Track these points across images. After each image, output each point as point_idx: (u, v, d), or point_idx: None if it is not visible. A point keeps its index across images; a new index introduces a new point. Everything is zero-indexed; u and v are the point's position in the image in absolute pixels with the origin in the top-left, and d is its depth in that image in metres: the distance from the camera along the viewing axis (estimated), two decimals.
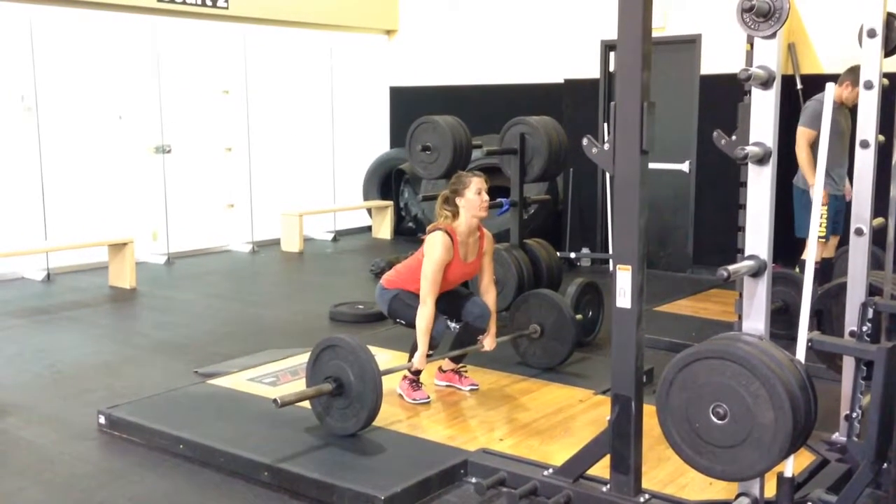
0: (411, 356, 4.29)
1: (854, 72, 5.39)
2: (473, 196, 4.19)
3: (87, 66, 8.08)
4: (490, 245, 4.42)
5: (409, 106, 9.85)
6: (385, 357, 5.00)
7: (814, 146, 5.53)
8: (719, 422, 2.55)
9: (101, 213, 8.15)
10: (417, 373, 4.30)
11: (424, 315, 4.09)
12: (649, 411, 2.89)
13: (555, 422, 4.03)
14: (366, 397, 3.71)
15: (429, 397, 4.28)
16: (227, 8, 8.65)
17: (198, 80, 8.97)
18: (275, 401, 3.67)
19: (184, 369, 5.06)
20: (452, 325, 4.38)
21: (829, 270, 5.52)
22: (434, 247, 4.13)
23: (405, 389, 4.30)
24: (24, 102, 7.68)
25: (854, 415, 3.13)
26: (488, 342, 4.42)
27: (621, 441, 2.98)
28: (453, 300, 4.39)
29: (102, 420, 4.11)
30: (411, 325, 4.20)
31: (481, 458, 3.55)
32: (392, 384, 4.26)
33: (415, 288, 4.23)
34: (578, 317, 5.05)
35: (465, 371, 4.56)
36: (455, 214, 4.23)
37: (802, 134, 5.47)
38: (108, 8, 7.90)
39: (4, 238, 7.33)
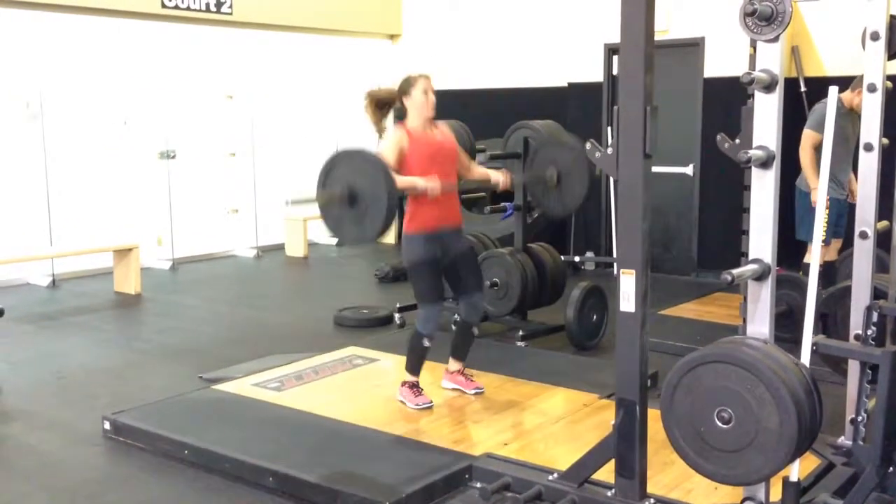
0: (408, 366, 4.31)
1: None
2: (420, 96, 4.18)
3: (91, 72, 8.10)
4: (451, 130, 4.44)
5: None
6: (389, 363, 5.01)
7: (818, 149, 5.52)
8: (724, 426, 2.54)
9: (106, 218, 8.17)
10: (417, 375, 4.33)
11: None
12: (654, 415, 2.89)
13: (559, 426, 4.02)
14: (380, 201, 3.56)
15: (431, 402, 4.28)
16: (231, 14, 8.67)
17: (202, 85, 8.99)
18: (286, 201, 3.61)
19: (189, 374, 5.06)
20: (428, 344, 4.32)
21: (832, 274, 5.50)
22: (385, 137, 4.19)
23: (407, 396, 4.30)
24: (29, 108, 7.70)
25: (859, 418, 3.11)
26: (501, 176, 4.45)
27: (626, 445, 2.98)
28: (457, 276, 4.34)
29: (107, 426, 4.11)
30: (409, 268, 4.24)
31: (486, 462, 3.55)
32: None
33: (415, 222, 4.21)
34: (597, 171, 4.97)
35: (472, 375, 4.55)
36: (400, 115, 4.25)
37: (808, 137, 5.46)
38: (112, 14, 7.92)
39: (10, 244, 7.35)
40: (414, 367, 4.32)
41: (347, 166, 3.69)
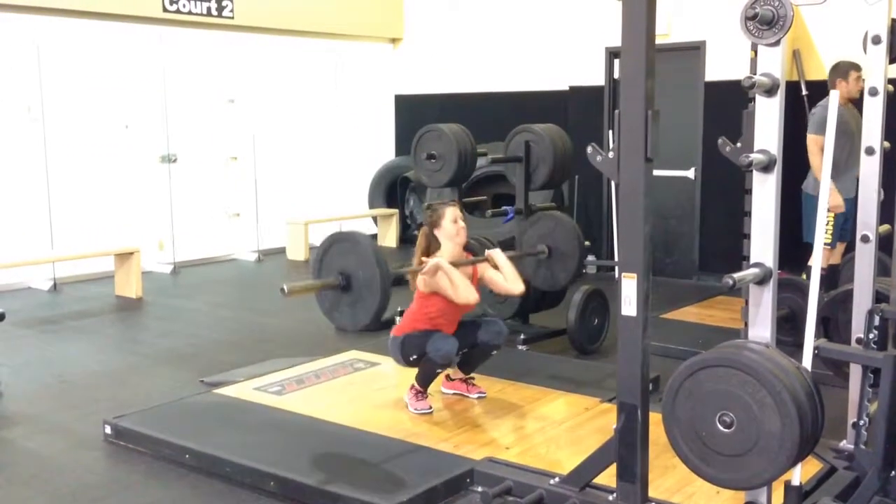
0: (418, 378, 4.29)
1: (856, 65, 5.41)
2: (451, 225, 4.24)
3: (93, 76, 8.11)
4: (485, 269, 4.37)
5: (414, 114, 9.86)
6: (390, 367, 5.00)
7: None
8: (726, 430, 2.54)
9: (108, 222, 8.17)
10: (426, 384, 4.32)
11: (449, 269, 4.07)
12: (655, 419, 2.89)
13: (561, 430, 4.02)
14: (374, 289, 3.62)
15: (431, 408, 4.27)
16: (232, 18, 8.68)
17: (203, 89, 9.00)
18: (282, 289, 3.66)
19: (190, 378, 5.06)
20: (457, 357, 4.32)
21: (837, 277, 5.49)
22: (437, 267, 4.09)
23: (410, 399, 4.30)
24: (30, 113, 7.71)
25: (861, 422, 3.11)
26: (496, 252, 4.42)
27: (627, 449, 2.97)
28: (466, 331, 4.34)
29: (108, 430, 4.11)
30: (424, 352, 4.16)
31: (487, 466, 3.54)
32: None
33: (421, 325, 4.23)
34: (587, 243, 5.08)
35: (473, 380, 4.55)
36: (433, 245, 4.27)
37: (814, 141, 5.43)
38: (114, 18, 7.94)
39: (11, 248, 7.35)
40: (423, 383, 4.30)
41: (342, 251, 3.79)
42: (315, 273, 3.91)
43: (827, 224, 5.48)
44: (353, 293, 3.73)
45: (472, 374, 4.57)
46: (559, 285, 4.95)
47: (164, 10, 8.16)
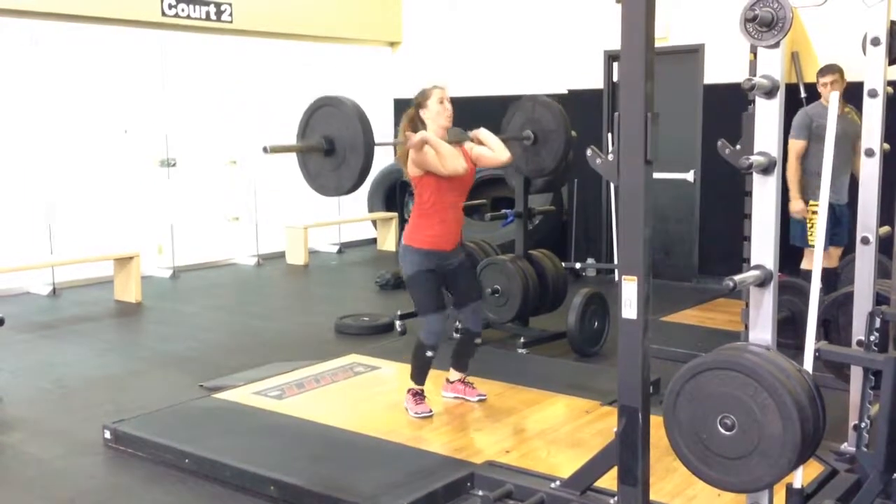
0: (412, 373, 4.30)
1: (832, 67, 5.43)
2: (436, 105, 4.20)
3: (92, 80, 8.11)
4: (471, 148, 4.39)
5: None
6: (390, 370, 5.00)
7: (804, 157, 5.51)
8: (727, 433, 2.53)
9: (107, 227, 8.17)
10: (422, 383, 4.32)
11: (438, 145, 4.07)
12: (656, 422, 2.88)
13: (561, 433, 4.01)
14: (358, 152, 3.55)
15: (431, 411, 4.26)
16: (231, 22, 8.68)
17: (202, 93, 9.00)
18: (264, 147, 3.60)
19: (189, 383, 5.06)
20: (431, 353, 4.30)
21: (833, 281, 5.48)
22: (424, 140, 4.07)
23: (409, 403, 4.30)
24: (30, 117, 7.70)
25: (863, 425, 3.11)
26: (476, 131, 4.41)
27: (628, 453, 2.96)
28: (457, 286, 4.34)
29: (108, 435, 4.10)
30: (406, 279, 4.23)
31: (488, 470, 3.54)
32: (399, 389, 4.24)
33: (423, 224, 4.20)
34: (574, 133, 5.05)
35: (472, 383, 4.54)
36: (418, 128, 4.21)
37: (791, 146, 5.44)
38: (113, 23, 7.94)
39: (10, 253, 7.34)
40: (418, 376, 4.31)
41: (326, 114, 3.67)
42: (299, 136, 3.82)
43: (810, 227, 5.57)
44: (336, 157, 3.63)
45: (470, 378, 4.56)
46: (546, 170, 4.97)
47: (163, 14, 8.16)
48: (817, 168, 5.34)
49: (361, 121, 3.57)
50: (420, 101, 4.24)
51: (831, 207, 5.56)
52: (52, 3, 7.42)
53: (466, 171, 4.20)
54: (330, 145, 3.63)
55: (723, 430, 2.54)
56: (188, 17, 8.34)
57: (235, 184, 9.38)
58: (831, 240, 5.64)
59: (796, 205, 5.59)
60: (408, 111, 4.30)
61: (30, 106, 7.69)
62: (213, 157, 9.18)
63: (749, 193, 2.71)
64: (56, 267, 7.68)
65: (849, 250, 5.18)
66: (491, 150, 4.33)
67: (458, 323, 4.52)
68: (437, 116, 4.19)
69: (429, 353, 4.24)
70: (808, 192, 5.60)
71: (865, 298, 3.36)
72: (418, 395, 4.30)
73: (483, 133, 4.37)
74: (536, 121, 5.03)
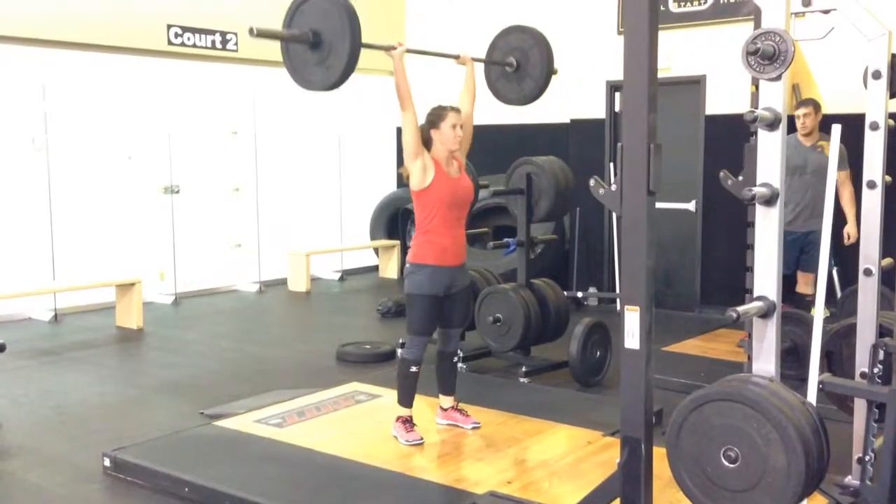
0: (399, 397, 4.30)
1: (806, 101, 5.93)
2: (448, 129, 4.22)
3: (96, 108, 8.16)
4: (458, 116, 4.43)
5: None
6: (392, 399, 4.98)
7: None
8: (731, 465, 2.52)
9: (109, 253, 8.18)
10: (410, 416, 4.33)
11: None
12: (659, 454, 2.86)
13: (563, 464, 3.99)
14: (344, 43, 3.56)
15: (422, 439, 4.25)
16: (236, 51, 8.75)
17: (207, 120, 9.05)
18: (250, 29, 3.61)
19: (190, 410, 5.04)
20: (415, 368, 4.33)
21: (805, 306, 5.59)
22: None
23: (399, 431, 4.28)
24: (34, 143, 7.75)
25: (867, 458, 3.09)
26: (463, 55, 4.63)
27: (631, 485, 2.94)
28: (448, 309, 4.33)
29: (108, 462, 4.08)
30: (407, 296, 4.26)
31: (489, 501, 3.51)
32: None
33: (423, 252, 4.21)
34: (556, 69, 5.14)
35: (465, 410, 4.53)
36: (428, 143, 4.25)
37: None
38: (118, 51, 8.01)
39: (12, 279, 7.35)
40: (405, 399, 4.30)
41: (314, 9, 3.67)
42: (286, 25, 3.78)
43: None
44: (322, 51, 3.62)
45: (472, 407, 4.54)
46: (524, 98, 5.11)
47: (170, 43, 8.23)
48: (786, 198, 5.47)
49: (350, 16, 3.56)
50: (433, 121, 4.26)
51: (804, 235, 5.81)
52: (59, 31, 7.49)
53: (409, 110, 4.20)
54: (316, 38, 3.60)
55: (726, 463, 2.53)
56: (194, 45, 8.41)
57: (238, 211, 9.41)
58: (799, 265, 5.92)
59: None
60: (420, 125, 4.30)
61: (35, 132, 7.72)
62: (217, 184, 9.22)
63: (752, 224, 2.72)
64: (58, 293, 7.68)
65: (851, 281, 5.20)
66: (464, 85, 4.59)
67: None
68: (446, 140, 4.22)
69: (413, 369, 4.25)
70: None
71: (868, 330, 3.36)
72: (408, 423, 4.29)
73: (469, 63, 4.66)
74: (520, 48, 5.06)
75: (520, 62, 5.03)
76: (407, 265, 4.31)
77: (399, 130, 10.48)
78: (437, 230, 4.20)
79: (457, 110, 4.30)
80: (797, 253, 5.95)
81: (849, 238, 5.85)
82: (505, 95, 5.23)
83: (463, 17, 9.77)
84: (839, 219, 5.65)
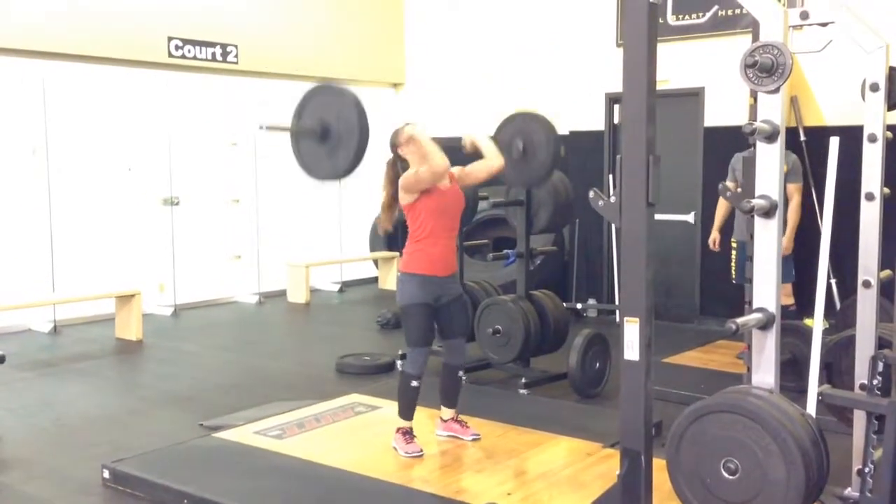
0: (400, 409, 4.30)
1: None
2: (408, 141, 4.21)
3: (97, 119, 8.18)
4: (460, 170, 4.40)
5: None
6: (391, 410, 4.98)
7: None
8: (731, 477, 2.52)
9: (109, 264, 8.18)
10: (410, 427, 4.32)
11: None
12: (659, 466, 2.86)
13: (563, 476, 3.98)
14: (352, 134, 3.61)
15: (421, 451, 4.24)
16: (237, 63, 8.78)
17: (206, 132, 9.07)
18: (260, 126, 3.67)
19: (189, 422, 5.03)
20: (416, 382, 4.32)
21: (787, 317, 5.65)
22: (410, 137, 4.15)
23: (399, 443, 4.28)
24: (35, 155, 7.76)
25: (867, 469, 3.09)
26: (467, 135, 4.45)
27: (631, 496, 2.94)
28: (446, 320, 4.34)
29: (106, 474, 4.07)
30: (401, 308, 4.27)
31: None
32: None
33: (413, 262, 4.24)
34: (562, 150, 5.13)
35: (466, 421, 4.53)
36: (398, 169, 4.25)
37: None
38: (119, 63, 8.04)
39: (12, 290, 7.35)
40: (406, 412, 4.30)
41: (323, 101, 3.72)
42: (295, 119, 3.84)
43: (733, 263, 6.16)
44: (331, 142, 3.66)
45: (471, 419, 4.54)
46: (534, 182, 5.12)
47: (170, 55, 8.26)
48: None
49: (357, 108, 3.61)
50: (396, 142, 4.27)
51: (742, 244, 5.98)
52: (61, 44, 7.51)
53: (447, 166, 4.16)
54: (325, 130, 3.65)
55: (726, 474, 2.53)
56: (194, 58, 8.44)
57: (238, 222, 9.42)
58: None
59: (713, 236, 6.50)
60: (388, 159, 4.31)
61: (36, 144, 7.74)
62: (216, 195, 9.23)
63: (752, 236, 2.73)
64: (57, 304, 7.67)
65: (850, 293, 5.21)
66: (486, 156, 4.36)
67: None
68: (415, 151, 4.20)
69: (414, 383, 4.25)
70: (736, 231, 6.16)
71: (868, 342, 3.36)
72: (408, 434, 4.28)
73: (477, 137, 4.41)
74: (525, 132, 5.08)
75: (526, 146, 5.04)
76: (398, 274, 4.34)
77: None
78: (427, 240, 4.22)
79: (411, 123, 4.31)
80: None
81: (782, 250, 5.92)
82: (514, 180, 5.27)
83: (462, 44, 9.82)
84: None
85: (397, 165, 4.27)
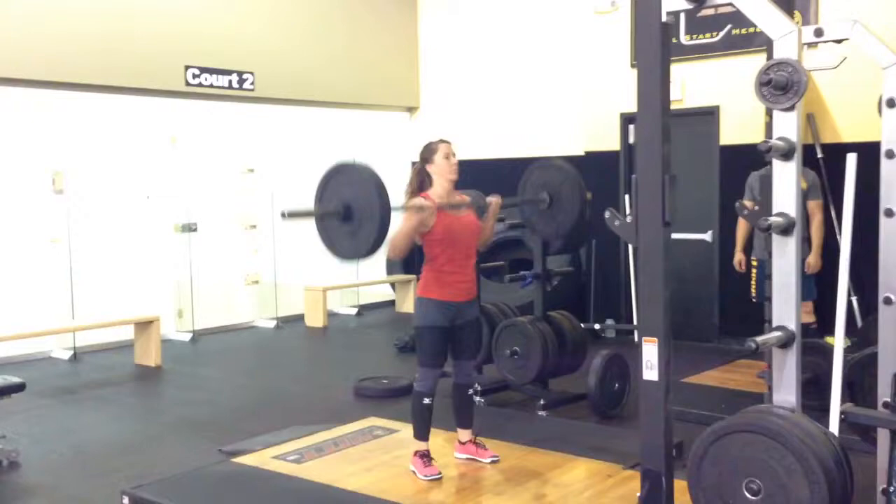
0: (415, 431, 4.30)
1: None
2: (442, 160, 4.22)
3: (116, 147, 8.27)
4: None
5: None
6: (410, 434, 4.97)
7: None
8: (753, 498, 2.49)
9: (128, 291, 8.23)
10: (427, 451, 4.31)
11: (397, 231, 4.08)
12: (680, 487, 2.83)
13: (584, 498, 3.95)
14: (374, 217, 3.62)
15: (440, 473, 4.22)
16: (253, 90, 8.86)
17: (223, 159, 9.14)
18: (282, 213, 3.72)
19: (208, 447, 5.03)
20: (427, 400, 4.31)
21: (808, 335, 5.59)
22: (411, 213, 4.15)
23: (417, 466, 4.26)
24: (54, 183, 7.84)
25: (891, 489, 3.04)
26: (493, 199, 4.47)
27: None
28: (458, 341, 4.33)
29: (126, 501, 4.06)
30: (416, 329, 4.28)
31: None
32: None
33: (433, 289, 4.25)
34: (589, 195, 5.15)
35: (484, 443, 4.51)
36: (426, 183, 4.25)
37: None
38: (137, 93, 8.13)
39: (32, 318, 7.40)
40: (421, 433, 4.29)
41: (343, 181, 3.74)
42: (316, 202, 3.86)
43: (752, 282, 6.14)
44: (353, 222, 3.69)
45: (490, 441, 4.52)
46: (561, 233, 5.14)
47: (187, 84, 8.34)
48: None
49: (378, 187, 3.63)
50: (426, 157, 4.29)
51: (761, 262, 5.91)
52: (79, 73, 7.61)
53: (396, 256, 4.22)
54: (346, 210, 3.69)
55: (749, 495, 2.50)
56: (211, 86, 8.52)
57: (255, 247, 9.46)
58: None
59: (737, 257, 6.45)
60: (415, 166, 4.34)
61: (55, 172, 7.82)
62: (234, 221, 9.29)
63: (770, 254, 2.72)
64: (77, 331, 7.72)
65: (871, 310, 5.16)
66: (483, 226, 4.42)
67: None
68: (443, 171, 4.23)
69: (426, 401, 4.24)
70: (756, 249, 6.10)
71: (890, 359, 3.32)
72: (425, 457, 4.26)
73: (495, 208, 4.46)
74: (552, 183, 5.10)
75: (553, 197, 5.09)
76: (416, 297, 4.34)
77: (412, 164, 10.56)
78: (444, 267, 4.23)
79: (447, 142, 4.31)
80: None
81: (809, 267, 5.87)
82: (542, 231, 5.32)
83: (477, 68, 9.89)
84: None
85: (422, 176, 4.27)
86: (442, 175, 4.24)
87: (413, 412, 4.30)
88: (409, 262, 10.29)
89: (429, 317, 4.21)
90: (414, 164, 4.40)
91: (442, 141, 4.31)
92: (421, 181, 4.28)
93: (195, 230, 8.80)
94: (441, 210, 4.19)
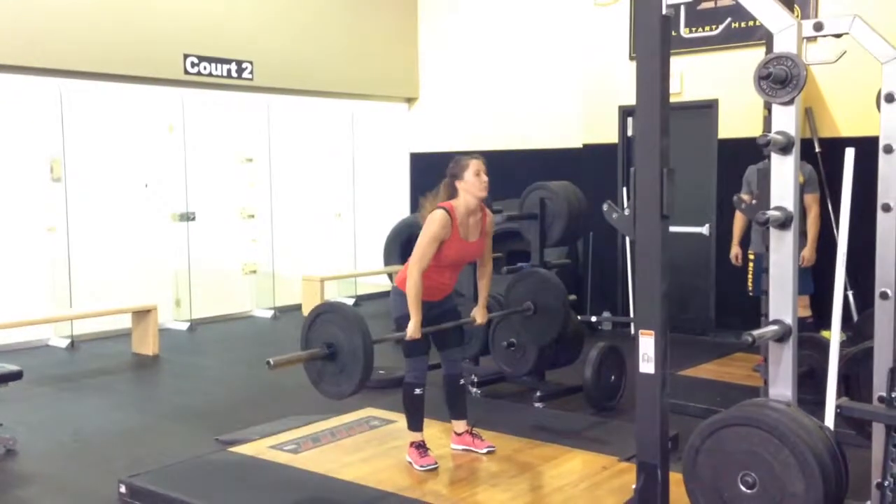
0: (408, 421, 4.32)
1: None
2: (473, 178, 4.18)
3: (114, 136, 8.25)
4: (491, 225, 4.42)
5: (429, 171, 9.90)
6: (404, 424, 4.97)
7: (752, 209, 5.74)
8: (748, 491, 2.50)
9: (125, 280, 8.23)
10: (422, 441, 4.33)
11: (411, 285, 4.10)
12: (676, 479, 2.85)
13: (579, 490, 3.96)
14: (357, 361, 3.79)
15: (436, 463, 4.24)
16: (252, 79, 8.84)
17: (222, 148, 9.13)
18: (268, 362, 3.82)
19: (205, 437, 5.04)
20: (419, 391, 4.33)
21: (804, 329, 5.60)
22: (432, 223, 4.13)
23: (413, 457, 4.27)
24: (52, 172, 7.83)
25: (886, 483, 3.06)
26: (479, 315, 4.54)
27: None
28: (440, 332, 4.36)
29: (123, 489, 4.08)
30: (395, 320, 4.30)
31: None
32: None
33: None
34: (572, 297, 5.35)
35: (480, 433, 4.52)
36: (453, 196, 4.24)
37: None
38: (136, 81, 8.11)
39: (30, 305, 7.40)
40: (414, 423, 4.31)
41: (328, 322, 3.94)
42: (302, 344, 4.02)
43: (750, 275, 6.17)
44: (338, 362, 3.88)
45: (486, 433, 4.53)
46: (546, 340, 5.33)
47: (186, 72, 8.32)
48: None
49: (361, 329, 3.86)
50: (456, 173, 4.22)
51: (759, 256, 5.91)
52: (77, 61, 7.59)
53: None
54: (332, 350, 3.91)
55: (744, 488, 2.51)
56: (210, 74, 8.50)
57: (253, 237, 9.46)
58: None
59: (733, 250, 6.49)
60: (444, 181, 4.28)
61: (53, 161, 7.81)
62: (232, 210, 9.28)
63: (768, 248, 2.72)
64: (74, 320, 7.72)
65: (867, 305, 5.18)
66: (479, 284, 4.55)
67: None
68: (472, 188, 4.19)
69: (417, 391, 4.27)
70: (753, 243, 6.15)
71: (886, 354, 3.33)
72: (421, 448, 4.28)
73: (479, 323, 4.62)
74: (536, 293, 5.28)
75: (537, 305, 5.25)
76: (393, 286, 4.36)
77: (413, 157, 10.57)
78: (431, 273, 4.21)
79: (478, 158, 4.25)
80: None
81: (803, 261, 5.89)
82: (524, 335, 5.48)
83: (476, 59, 9.88)
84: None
85: (451, 191, 4.24)
86: (470, 192, 4.19)
87: (405, 403, 4.32)
88: (407, 252, 10.29)
89: (405, 307, 4.20)
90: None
91: (473, 157, 4.25)
92: (449, 197, 4.25)
93: (193, 219, 8.79)
94: (455, 227, 4.18)
